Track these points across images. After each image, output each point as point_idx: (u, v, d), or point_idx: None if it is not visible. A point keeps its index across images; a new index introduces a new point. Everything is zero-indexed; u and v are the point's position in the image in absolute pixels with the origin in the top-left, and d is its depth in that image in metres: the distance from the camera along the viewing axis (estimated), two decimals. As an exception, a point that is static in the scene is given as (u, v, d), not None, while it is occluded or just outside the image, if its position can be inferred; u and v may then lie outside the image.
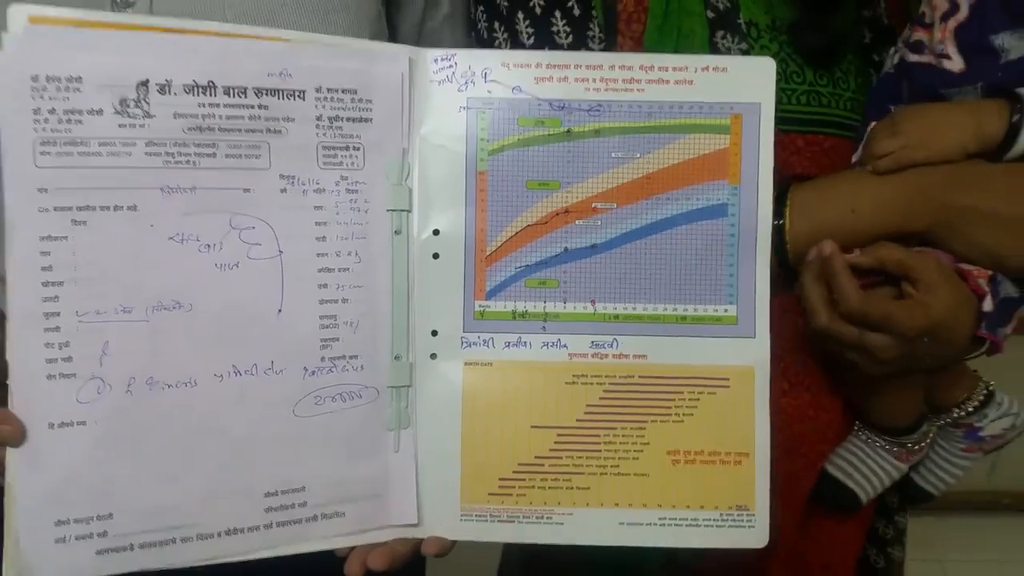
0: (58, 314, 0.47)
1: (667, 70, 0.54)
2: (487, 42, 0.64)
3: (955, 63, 0.57)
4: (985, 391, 0.66)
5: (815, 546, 0.68)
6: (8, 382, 0.46)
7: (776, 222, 0.55)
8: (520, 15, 0.62)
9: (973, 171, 0.55)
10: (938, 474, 0.69)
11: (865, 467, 0.66)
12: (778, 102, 0.53)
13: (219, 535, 0.49)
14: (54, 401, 0.47)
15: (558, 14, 0.61)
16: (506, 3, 0.62)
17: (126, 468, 0.48)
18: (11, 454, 0.46)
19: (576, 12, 0.61)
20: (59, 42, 0.47)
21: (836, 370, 0.64)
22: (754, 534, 0.54)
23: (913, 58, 0.60)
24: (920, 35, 0.61)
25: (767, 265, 0.54)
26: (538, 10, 0.61)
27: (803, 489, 0.66)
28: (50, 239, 0.47)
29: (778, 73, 0.53)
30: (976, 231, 0.54)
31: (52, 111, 0.47)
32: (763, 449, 0.53)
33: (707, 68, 0.54)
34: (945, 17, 0.58)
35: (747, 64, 0.55)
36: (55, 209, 0.47)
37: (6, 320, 0.47)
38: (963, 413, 0.66)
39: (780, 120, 0.54)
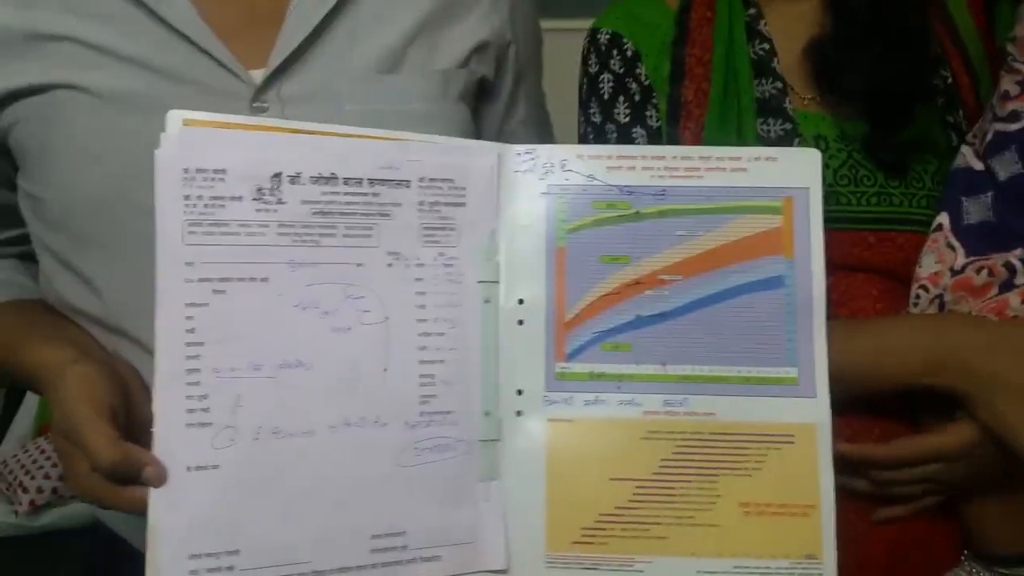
0: (199, 371, 0.54)
1: (723, 159, 0.61)
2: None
3: None
4: None
5: None
6: (152, 429, 0.53)
7: None
8: (593, 100, 0.73)
9: (1010, 337, 0.57)
10: None
11: None
12: (848, 203, 0.58)
13: (331, 572, 0.54)
14: (192, 447, 0.53)
15: (621, 98, 0.72)
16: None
17: (252, 508, 0.53)
18: (153, 494, 0.52)
19: (637, 97, 0.72)
20: (207, 141, 0.56)
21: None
22: (824, 583, 0.56)
23: (1014, 127, 0.61)
24: (1014, 104, 0.62)
25: (823, 330, 0.59)
26: (606, 96, 0.72)
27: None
28: (194, 306, 0.54)
29: (848, 178, 0.58)
30: (997, 399, 0.56)
31: (200, 197, 0.55)
32: (828, 501, 0.57)
33: (759, 158, 0.61)
34: None
35: (795, 154, 0.62)
36: (199, 280, 0.54)
37: (153, 376, 0.54)
38: None
39: (851, 219, 0.58)
